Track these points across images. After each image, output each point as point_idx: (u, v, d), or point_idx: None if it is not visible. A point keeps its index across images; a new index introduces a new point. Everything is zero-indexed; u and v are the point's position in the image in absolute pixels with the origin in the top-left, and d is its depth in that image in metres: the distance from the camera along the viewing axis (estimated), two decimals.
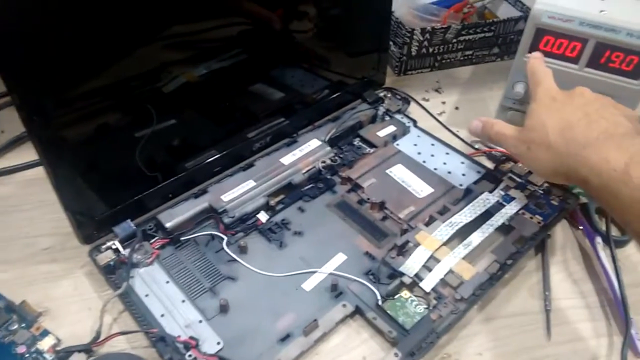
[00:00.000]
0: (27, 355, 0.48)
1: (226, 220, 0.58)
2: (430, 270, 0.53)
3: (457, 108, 0.78)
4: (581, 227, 0.60)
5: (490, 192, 0.61)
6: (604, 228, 0.59)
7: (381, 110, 0.74)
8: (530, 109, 0.55)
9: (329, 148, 0.67)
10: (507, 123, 0.58)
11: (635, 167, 0.44)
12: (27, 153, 0.67)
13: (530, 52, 0.65)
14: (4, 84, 0.43)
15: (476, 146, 0.71)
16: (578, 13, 0.60)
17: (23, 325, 0.50)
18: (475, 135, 0.61)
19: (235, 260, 0.55)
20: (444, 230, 0.56)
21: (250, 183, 0.62)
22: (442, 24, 0.81)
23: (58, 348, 0.48)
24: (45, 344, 0.49)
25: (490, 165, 0.67)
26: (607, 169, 0.45)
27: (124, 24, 0.50)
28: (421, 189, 0.63)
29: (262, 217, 0.59)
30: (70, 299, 0.53)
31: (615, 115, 0.49)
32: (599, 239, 0.58)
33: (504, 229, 0.58)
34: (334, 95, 0.74)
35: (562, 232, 0.61)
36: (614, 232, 0.59)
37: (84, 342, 0.48)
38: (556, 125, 0.50)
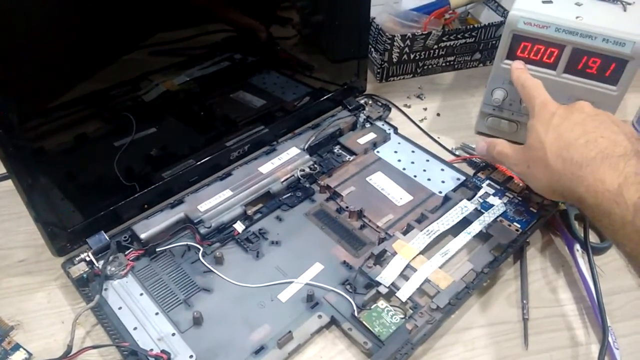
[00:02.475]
0: None
1: (202, 230, 0.57)
2: (407, 279, 0.53)
3: (438, 114, 0.78)
4: (560, 235, 0.60)
5: (469, 199, 0.61)
6: (582, 235, 0.58)
7: (362, 117, 0.74)
8: (530, 125, 0.54)
9: (308, 156, 0.67)
10: (508, 142, 0.58)
11: (628, 188, 0.44)
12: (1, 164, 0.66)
13: (508, 58, 0.65)
14: None
15: (457, 153, 0.71)
16: (554, 19, 0.60)
17: None
18: (482, 156, 0.62)
19: (211, 271, 0.55)
20: (421, 238, 0.56)
21: (227, 192, 0.61)
22: (423, 30, 0.81)
23: None
24: (16, 358, 0.49)
25: (471, 172, 0.67)
26: (602, 189, 0.45)
27: (104, 32, 0.50)
28: (400, 196, 0.63)
29: (239, 227, 0.59)
30: (43, 312, 0.53)
31: (614, 134, 0.48)
32: (577, 246, 0.58)
33: (482, 236, 0.57)
34: (315, 102, 0.73)
35: (541, 240, 0.60)
36: (592, 239, 0.59)
37: (55, 357, 0.48)
38: (554, 143, 0.50)
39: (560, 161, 0.49)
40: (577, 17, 0.60)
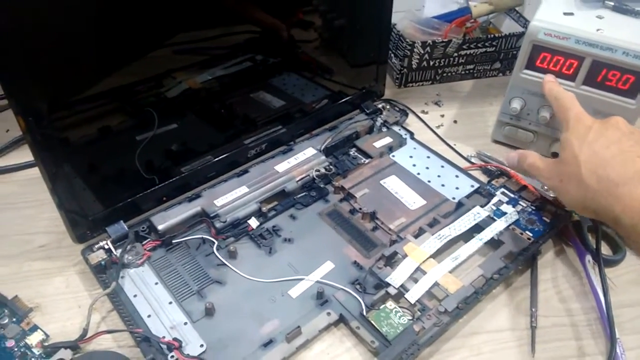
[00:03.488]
0: (15, 350, 0.49)
1: (218, 224, 0.59)
2: (416, 282, 0.53)
3: (455, 121, 0.79)
4: (572, 245, 0.60)
5: (482, 206, 0.61)
6: (594, 246, 0.58)
7: (379, 121, 0.75)
8: (564, 139, 0.53)
9: (324, 157, 0.68)
10: (539, 155, 0.57)
11: None
12: (28, 152, 0.68)
13: (527, 68, 0.65)
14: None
15: (472, 160, 0.71)
16: (575, 31, 0.61)
17: (14, 319, 0.51)
18: (512, 167, 0.61)
19: (224, 264, 0.56)
20: (433, 242, 0.57)
21: (244, 189, 0.62)
22: (444, 37, 0.81)
23: (46, 343, 0.50)
24: (33, 339, 0.50)
25: (485, 179, 0.67)
26: (639, 209, 0.45)
27: (130, 29, 0.52)
28: (414, 200, 0.63)
29: (253, 222, 0.60)
30: (61, 296, 0.55)
31: None
32: (589, 257, 0.58)
33: (494, 243, 0.58)
34: (333, 105, 0.74)
35: (553, 249, 0.60)
36: (605, 250, 0.59)
37: (71, 339, 0.49)
38: (589, 160, 0.49)
39: (595, 178, 0.48)
40: (597, 30, 0.60)
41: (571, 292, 0.56)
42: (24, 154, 0.70)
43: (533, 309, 0.54)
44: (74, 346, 0.49)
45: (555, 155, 0.69)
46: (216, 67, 0.61)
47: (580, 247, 0.59)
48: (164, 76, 0.57)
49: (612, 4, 0.64)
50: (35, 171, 0.67)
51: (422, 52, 0.80)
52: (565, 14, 0.63)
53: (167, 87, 0.58)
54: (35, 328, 0.51)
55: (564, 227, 0.61)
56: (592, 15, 0.63)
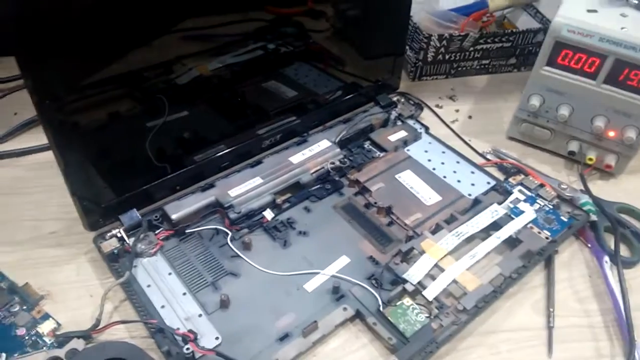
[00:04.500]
0: (26, 338, 0.48)
1: (232, 215, 0.58)
2: (433, 279, 0.53)
3: (470, 117, 0.78)
4: (589, 245, 0.60)
5: (499, 204, 0.61)
6: (612, 247, 0.58)
7: (393, 114, 0.74)
8: None
9: (338, 150, 0.67)
10: None
11: None
12: (39, 136, 0.67)
13: (548, 65, 0.64)
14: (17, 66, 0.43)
15: (487, 156, 0.70)
16: (598, 29, 0.60)
17: (24, 307, 0.50)
18: None
19: (238, 256, 0.55)
20: (450, 239, 0.56)
21: (258, 180, 0.61)
22: (460, 31, 0.80)
23: (58, 332, 0.49)
24: (45, 327, 0.49)
25: (500, 176, 0.67)
26: None
27: (142, 13, 0.51)
28: (429, 196, 0.63)
29: (268, 214, 0.59)
30: (72, 285, 0.54)
31: None
32: (606, 259, 0.57)
33: (511, 242, 0.57)
34: (347, 97, 0.73)
35: (569, 249, 0.60)
36: (623, 252, 0.58)
37: (83, 328, 0.49)
38: None
39: None
40: (622, 28, 0.60)
41: (588, 292, 0.56)
42: (32, 138, 0.69)
43: (550, 309, 0.53)
44: (86, 336, 0.48)
45: (572, 154, 0.68)
46: (227, 55, 0.60)
47: (598, 248, 0.59)
48: (173, 62, 0.56)
49: (636, 2, 0.63)
50: (43, 156, 0.67)
51: (439, 45, 0.79)
52: (588, 11, 0.62)
53: (177, 73, 0.57)
54: (46, 316, 0.50)
55: (581, 228, 0.60)
56: (615, 13, 0.62)
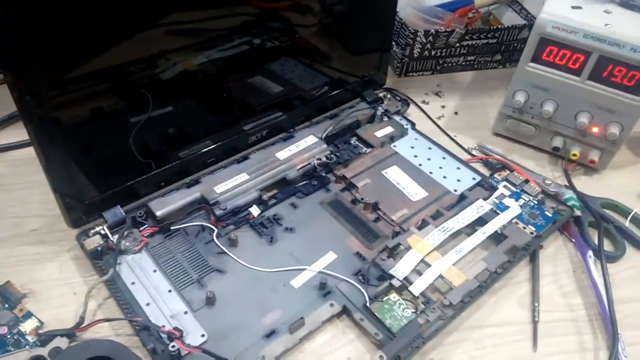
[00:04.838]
0: (8, 337, 0.47)
1: (218, 212, 0.57)
2: (420, 274, 0.53)
3: (456, 113, 0.78)
4: (573, 240, 0.60)
5: (485, 199, 0.61)
6: (596, 242, 0.58)
7: (380, 110, 0.74)
8: None
9: (325, 145, 0.67)
10: None
11: None
12: (20, 132, 0.66)
13: (533, 61, 0.65)
14: None
15: (473, 152, 0.71)
16: (583, 25, 0.60)
17: (6, 306, 0.50)
18: None
19: (224, 252, 0.55)
20: (436, 235, 0.56)
21: (244, 176, 0.61)
22: (446, 27, 0.81)
23: (40, 331, 0.48)
24: (27, 326, 0.48)
25: (486, 172, 0.67)
26: None
27: (126, 6, 0.50)
28: (416, 192, 0.63)
29: (254, 211, 0.59)
30: (55, 282, 0.53)
31: None
32: (590, 253, 0.58)
33: (497, 237, 0.58)
34: (333, 93, 0.73)
35: (554, 244, 0.60)
36: (606, 246, 0.59)
37: (67, 327, 0.48)
38: None
39: None
40: (605, 25, 0.60)
41: (572, 287, 0.56)
42: (13, 134, 0.68)
43: (535, 304, 0.54)
44: (70, 334, 0.47)
45: (556, 149, 0.69)
46: (212, 50, 0.60)
47: (582, 242, 0.59)
48: (157, 57, 0.55)
49: None
50: (25, 152, 0.66)
51: (425, 41, 0.79)
52: (573, 7, 0.63)
53: (162, 68, 0.56)
54: (29, 315, 0.49)
55: (565, 223, 0.61)
56: (600, 10, 0.63)
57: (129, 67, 0.54)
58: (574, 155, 0.68)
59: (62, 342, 0.46)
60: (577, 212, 0.61)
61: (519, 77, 0.67)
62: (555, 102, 0.66)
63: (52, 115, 0.49)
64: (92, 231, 0.54)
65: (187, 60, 0.58)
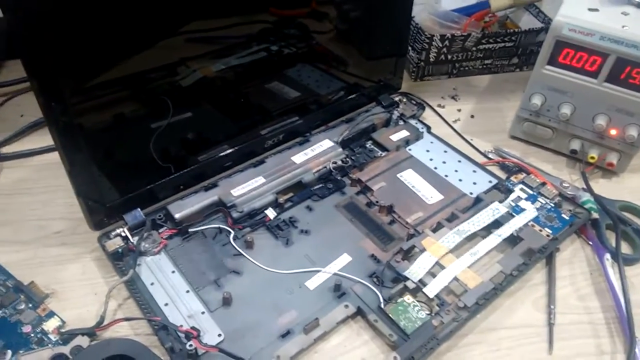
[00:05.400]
0: (32, 335, 0.49)
1: (234, 214, 0.58)
2: (434, 276, 0.53)
3: (472, 116, 0.78)
4: (590, 243, 0.60)
5: (501, 202, 0.61)
6: (613, 245, 0.58)
7: (395, 114, 0.74)
8: None
9: (340, 149, 0.67)
10: None
11: None
12: (45, 138, 0.68)
13: (549, 64, 0.64)
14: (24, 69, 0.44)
15: (489, 155, 0.71)
16: (600, 27, 0.60)
17: (30, 305, 0.51)
18: None
19: (241, 254, 0.56)
20: (451, 237, 0.56)
21: (260, 179, 0.62)
22: (462, 31, 0.81)
23: (62, 330, 0.49)
24: (50, 325, 0.50)
25: (502, 175, 0.67)
26: None
27: (147, 15, 0.51)
28: (431, 195, 0.63)
29: (270, 213, 0.59)
30: (77, 283, 0.54)
31: None
32: (607, 256, 0.57)
33: (512, 240, 0.57)
34: (349, 97, 0.74)
35: (571, 247, 0.60)
36: (624, 249, 0.58)
37: (88, 326, 0.49)
38: None
39: None
40: (623, 27, 0.60)
41: (589, 290, 0.56)
42: (39, 139, 0.70)
43: (551, 306, 0.53)
44: (91, 333, 0.49)
45: (574, 152, 0.68)
46: (230, 57, 0.61)
47: (599, 245, 0.59)
48: (178, 64, 0.57)
49: (638, 0, 0.63)
50: (49, 157, 0.68)
51: (441, 45, 0.79)
52: (590, 9, 0.63)
53: (182, 75, 0.57)
54: (51, 314, 0.51)
55: (582, 225, 0.60)
56: (617, 12, 0.63)
57: (150, 74, 0.55)
58: (592, 158, 0.67)
59: (83, 341, 0.48)
60: (595, 215, 0.60)
61: (535, 80, 0.66)
62: (573, 104, 0.65)
63: (76, 122, 0.50)
64: (113, 233, 0.56)
65: (206, 67, 0.59)
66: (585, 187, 0.64)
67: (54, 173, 0.64)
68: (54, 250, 0.57)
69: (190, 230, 0.57)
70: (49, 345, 0.48)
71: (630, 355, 0.48)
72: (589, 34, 0.60)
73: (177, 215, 0.57)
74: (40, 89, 0.45)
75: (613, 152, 0.67)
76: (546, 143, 0.71)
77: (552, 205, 0.61)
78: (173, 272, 0.54)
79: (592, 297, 0.55)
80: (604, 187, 0.67)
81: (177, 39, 0.55)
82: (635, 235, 0.60)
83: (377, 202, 0.62)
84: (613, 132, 0.65)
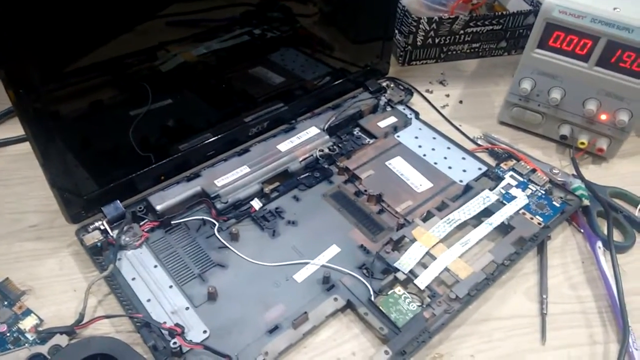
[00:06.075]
0: (7, 335, 0.47)
1: (219, 205, 0.56)
2: (425, 267, 0.52)
3: (461, 102, 0.77)
4: (582, 231, 0.59)
5: (491, 190, 0.60)
6: (605, 232, 0.57)
7: (383, 100, 0.72)
8: None
9: (327, 137, 0.65)
10: None
11: None
12: (16, 127, 0.64)
13: (539, 47, 0.63)
14: None
15: (478, 142, 0.69)
16: (591, 9, 0.59)
17: (5, 303, 0.49)
18: None
19: (226, 247, 0.54)
20: (442, 226, 0.55)
21: (245, 169, 0.60)
22: (450, 14, 0.79)
23: (40, 328, 0.47)
24: (27, 323, 0.48)
25: (492, 162, 0.66)
26: None
27: None
28: (420, 183, 0.62)
29: (256, 204, 0.58)
30: (55, 279, 0.52)
31: None
32: (599, 244, 0.56)
33: (504, 228, 0.56)
34: (335, 83, 0.72)
35: (562, 235, 0.59)
36: (616, 237, 0.58)
37: (67, 324, 0.47)
38: None
39: None
40: (614, 9, 0.58)
41: (581, 278, 0.55)
42: (12, 128, 0.67)
43: (543, 296, 0.52)
44: (70, 331, 0.47)
45: (564, 138, 0.67)
46: (212, 41, 0.58)
47: (590, 233, 0.58)
48: (157, 49, 0.54)
49: None
50: (23, 146, 0.65)
51: (428, 28, 0.77)
52: None
53: (162, 60, 0.55)
54: (28, 312, 0.49)
55: (574, 213, 0.59)
56: None
57: (128, 59, 0.53)
58: (582, 143, 0.66)
59: (61, 340, 0.46)
60: (586, 202, 0.60)
61: (525, 64, 0.65)
62: (563, 89, 0.64)
63: (49, 109, 0.48)
64: (91, 226, 0.53)
65: (187, 51, 0.57)
66: (575, 173, 0.63)
67: (29, 164, 0.60)
68: (30, 245, 0.55)
69: (172, 222, 0.55)
70: (26, 344, 0.46)
71: (624, 344, 0.48)
72: (580, 16, 0.59)
73: (158, 207, 0.55)
74: (8, 75, 0.42)
75: (603, 138, 0.66)
76: (535, 128, 0.70)
77: (543, 192, 0.60)
78: (155, 266, 0.52)
79: (584, 285, 0.54)
80: (594, 173, 0.66)
81: (156, 22, 0.52)
82: (627, 222, 0.59)
83: (365, 191, 0.60)
84: (603, 117, 0.64)
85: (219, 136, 0.62)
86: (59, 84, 0.48)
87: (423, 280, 0.51)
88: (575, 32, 0.60)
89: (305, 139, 0.65)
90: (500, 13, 0.80)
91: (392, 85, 0.75)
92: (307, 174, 0.62)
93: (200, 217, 0.56)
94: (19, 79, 0.43)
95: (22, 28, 0.42)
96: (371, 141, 0.67)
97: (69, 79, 0.49)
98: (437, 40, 0.80)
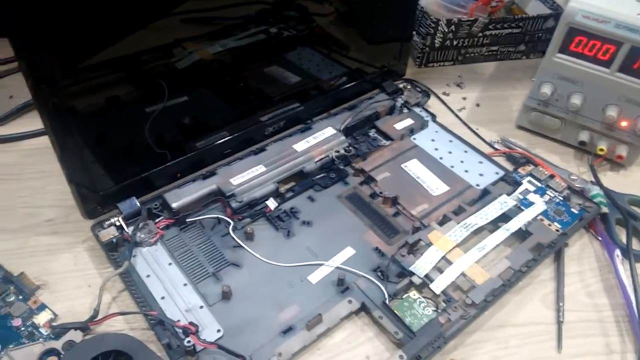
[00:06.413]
0: (22, 329, 0.47)
1: (234, 204, 0.56)
2: (441, 271, 0.51)
3: (478, 105, 0.76)
4: (600, 238, 0.58)
5: (509, 195, 0.59)
6: (624, 240, 0.56)
7: (400, 102, 0.72)
8: None
9: (343, 137, 0.65)
10: None
11: None
12: (35, 121, 0.65)
13: (561, 52, 0.62)
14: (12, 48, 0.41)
15: (496, 146, 0.69)
16: (614, 14, 0.58)
17: (20, 297, 0.49)
18: None
19: (240, 246, 0.54)
20: (458, 231, 0.54)
21: (261, 168, 0.60)
22: (469, 16, 0.78)
23: (54, 323, 0.47)
24: (41, 318, 0.48)
25: (509, 166, 0.65)
26: None
27: None
28: (436, 186, 0.61)
29: (271, 204, 0.57)
30: (69, 274, 0.52)
31: None
32: (618, 252, 0.56)
33: (521, 234, 0.56)
34: (352, 83, 0.71)
35: (580, 242, 0.58)
36: (635, 245, 0.57)
37: (81, 320, 0.47)
38: None
39: None
40: (638, 14, 0.58)
41: (598, 286, 0.54)
42: (28, 123, 0.67)
43: (560, 304, 0.52)
44: (84, 327, 0.47)
45: (583, 144, 0.67)
46: (228, 39, 0.58)
47: (609, 241, 0.57)
48: (173, 46, 0.54)
49: None
50: (39, 141, 0.65)
51: (447, 30, 0.77)
52: None
53: (178, 57, 0.55)
54: (43, 307, 0.49)
55: (592, 220, 0.59)
56: None
57: (144, 55, 0.53)
58: (601, 150, 0.65)
59: (75, 336, 0.46)
60: (604, 209, 0.59)
61: (545, 68, 0.64)
62: (583, 94, 0.63)
63: (67, 104, 0.48)
64: (107, 222, 0.53)
65: (203, 49, 0.56)
66: (594, 180, 0.62)
67: (45, 158, 0.61)
68: (45, 240, 0.55)
69: (187, 220, 0.55)
70: (40, 339, 0.46)
71: None
72: (604, 21, 0.58)
73: (174, 205, 0.55)
74: (29, 69, 0.43)
75: (623, 145, 0.65)
76: (554, 134, 0.70)
77: (561, 198, 0.59)
78: (170, 264, 0.52)
79: (601, 294, 0.54)
80: (613, 180, 0.65)
81: (172, 19, 0.52)
82: None
83: (381, 193, 0.60)
84: (624, 123, 0.63)
85: (235, 135, 0.62)
86: (78, 79, 0.48)
87: (439, 284, 0.50)
88: (598, 37, 0.60)
89: (321, 139, 0.64)
90: (519, 16, 0.79)
91: (409, 87, 0.74)
92: (322, 175, 0.62)
93: (215, 215, 0.56)
94: (41, 73, 0.43)
95: (44, 22, 0.42)
96: (387, 143, 0.67)
97: (87, 74, 0.49)
98: (455, 43, 0.79)
